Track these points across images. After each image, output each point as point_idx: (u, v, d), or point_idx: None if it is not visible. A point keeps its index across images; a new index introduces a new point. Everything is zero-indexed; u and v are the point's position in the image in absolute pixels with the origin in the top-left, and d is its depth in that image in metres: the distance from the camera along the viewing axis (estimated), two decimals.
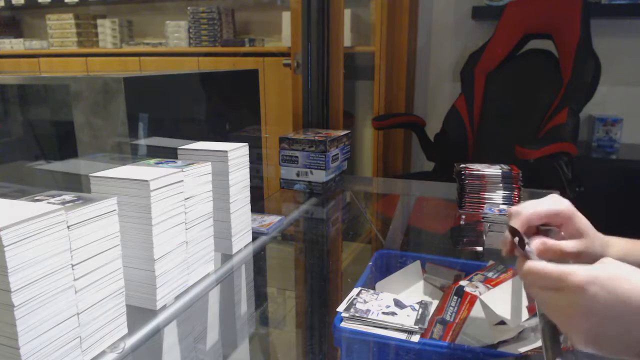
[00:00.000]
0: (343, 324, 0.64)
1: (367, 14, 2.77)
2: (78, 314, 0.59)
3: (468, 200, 1.23)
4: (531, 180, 1.34)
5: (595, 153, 2.29)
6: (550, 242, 0.56)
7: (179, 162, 0.83)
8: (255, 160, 1.53)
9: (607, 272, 0.45)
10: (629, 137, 2.38)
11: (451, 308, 0.67)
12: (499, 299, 0.64)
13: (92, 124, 1.03)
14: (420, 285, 0.82)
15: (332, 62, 1.76)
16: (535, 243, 0.56)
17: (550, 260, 0.50)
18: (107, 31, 3.34)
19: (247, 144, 0.97)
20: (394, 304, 0.68)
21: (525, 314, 0.63)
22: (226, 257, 0.97)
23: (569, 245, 0.57)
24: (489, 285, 0.69)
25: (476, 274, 0.74)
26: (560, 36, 1.98)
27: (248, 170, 0.99)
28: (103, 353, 0.64)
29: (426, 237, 1.26)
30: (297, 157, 1.42)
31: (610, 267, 0.45)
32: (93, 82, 1.02)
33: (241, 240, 1.00)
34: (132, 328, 0.70)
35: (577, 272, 0.45)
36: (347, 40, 2.54)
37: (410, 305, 0.67)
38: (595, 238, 0.58)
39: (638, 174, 2.11)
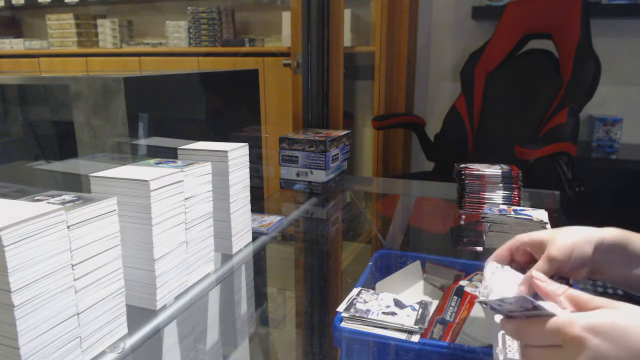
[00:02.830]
0: (343, 324, 0.64)
1: (367, 14, 2.77)
2: (78, 314, 0.59)
3: (468, 200, 1.23)
4: (531, 180, 1.34)
5: (595, 153, 2.29)
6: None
7: (179, 162, 0.83)
8: (255, 160, 1.53)
9: (608, 319, 0.40)
10: (629, 137, 2.38)
11: (451, 308, 0.67)
12: None
13: (92, 124, 1.03)
14: (420, 285, 0.82)
15: (332, 62, 1.76)
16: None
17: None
18: (107, 31, 3.34)
19: (247, 144, 0.97)
20: (394, 304, 0.68)
21: None
22: (226, 257, 0.97)
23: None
24: None
25: (476, 274, 0.74)
26: (560, 36, 1.98)
27: (248, 170, 0.99)
28: (103, 353, 0.64)
29: (426, 237, 1.26)
30: (297, 157, 1.42)
31: (610, 312, 0.41)
32: (93, 82, 1.02)
33: (241, 240, 1.00)
34: (132, 328, 0.70)
35: (576, 322, 0.40)
36: (347, 40, 2.54)
37: (410, 305, 0.67)
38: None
39: (638, 174, 2.11)
